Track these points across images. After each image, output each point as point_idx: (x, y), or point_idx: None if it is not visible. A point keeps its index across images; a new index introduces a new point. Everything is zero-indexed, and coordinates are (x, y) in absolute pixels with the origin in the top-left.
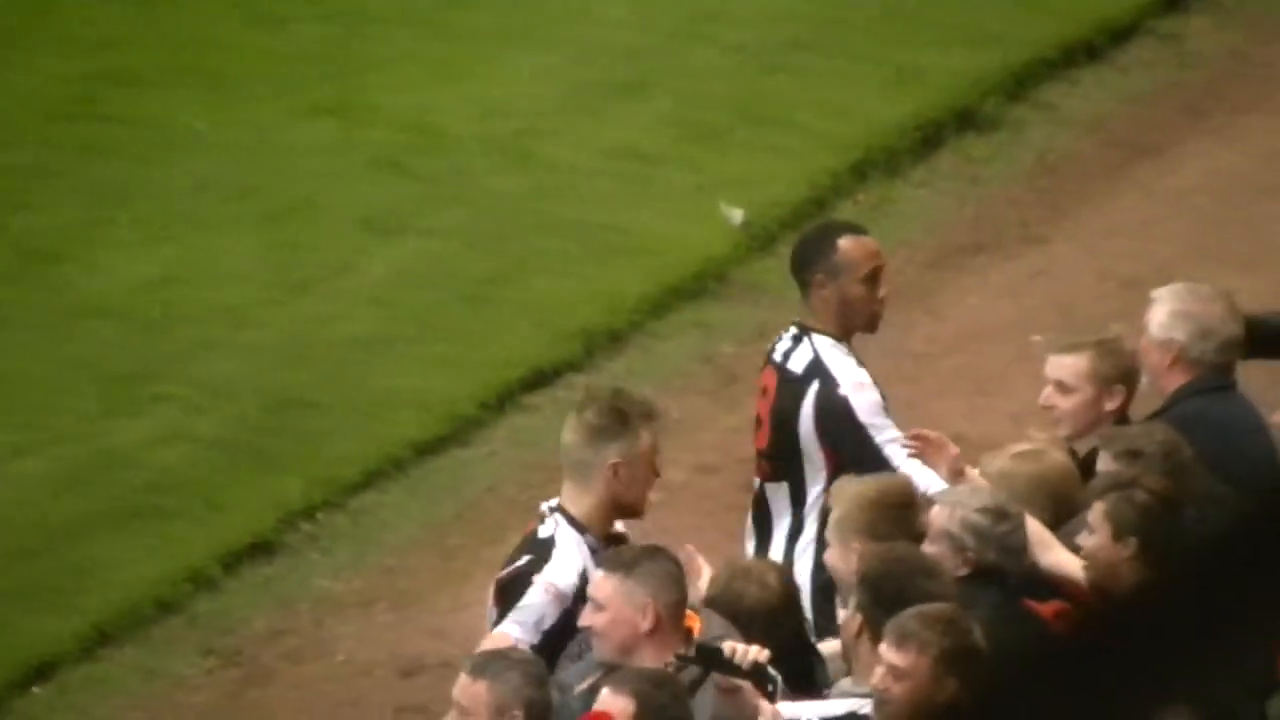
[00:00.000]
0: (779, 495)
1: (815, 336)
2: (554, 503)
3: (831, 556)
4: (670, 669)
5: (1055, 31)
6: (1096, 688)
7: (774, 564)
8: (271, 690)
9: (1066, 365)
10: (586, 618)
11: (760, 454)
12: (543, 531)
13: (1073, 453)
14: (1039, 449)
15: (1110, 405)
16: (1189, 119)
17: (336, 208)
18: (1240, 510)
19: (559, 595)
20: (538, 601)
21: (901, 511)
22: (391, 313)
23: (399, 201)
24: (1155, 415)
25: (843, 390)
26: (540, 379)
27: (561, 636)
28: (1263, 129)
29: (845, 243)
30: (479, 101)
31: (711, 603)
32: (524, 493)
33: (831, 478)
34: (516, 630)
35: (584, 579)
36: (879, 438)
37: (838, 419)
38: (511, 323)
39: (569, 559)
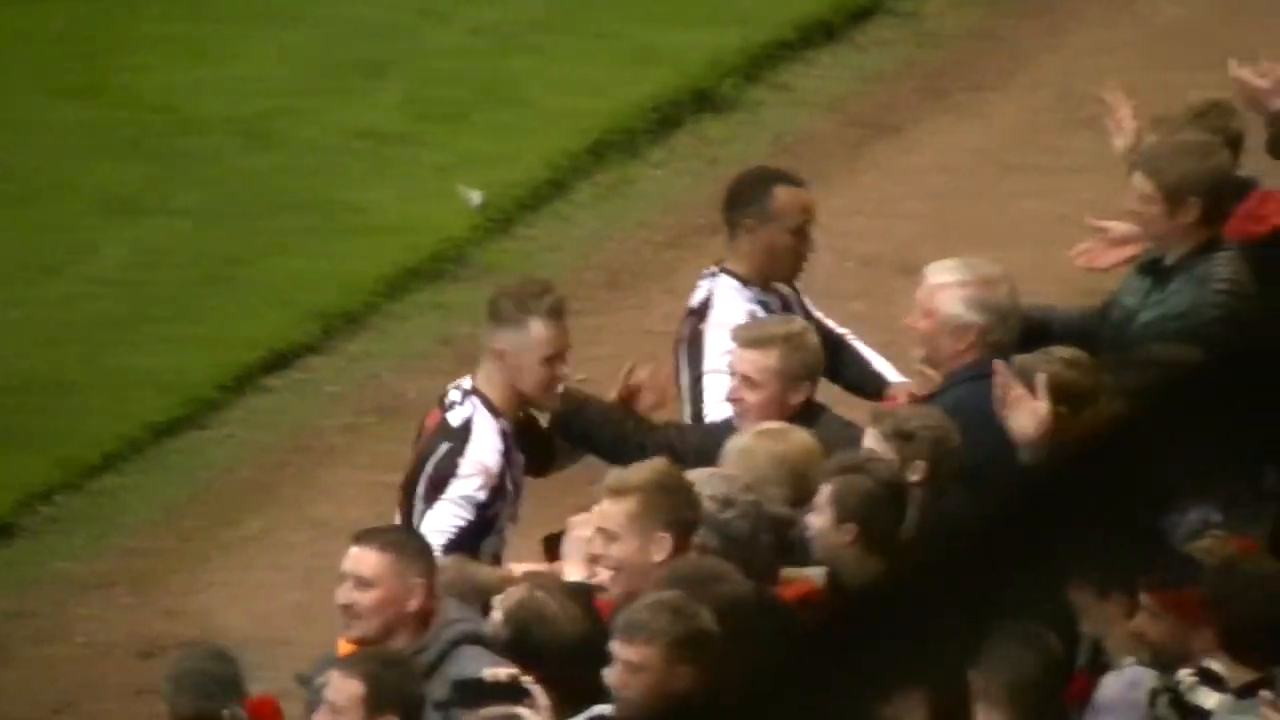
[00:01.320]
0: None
1: (723, 276)
2: (467, 384)
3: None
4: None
5: (793, 11)
6: (829, 674)
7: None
8: (11, 672)
9: (752, 360)
10: (346, 595)
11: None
12: (456, 418)
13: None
14: (783, 427)
15: (795, 400)
16: (928, 97)
17: (85, 189)
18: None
19: (488, 473)
20: (471, 483)
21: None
22: (135, 293)
23: (146, 182)
24: (933, 396)
25: (704, 326)
26: (278, 360)
27: (491, 517)
28: (1002, 106)
29: (780, 191)
30: (225, 82)
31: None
32: (261, 474)
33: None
34: (458, 512)
35: (503, 458)
36: (705, 378)
37: (694, 348)
38: (251, 303)
39: (488, 438)
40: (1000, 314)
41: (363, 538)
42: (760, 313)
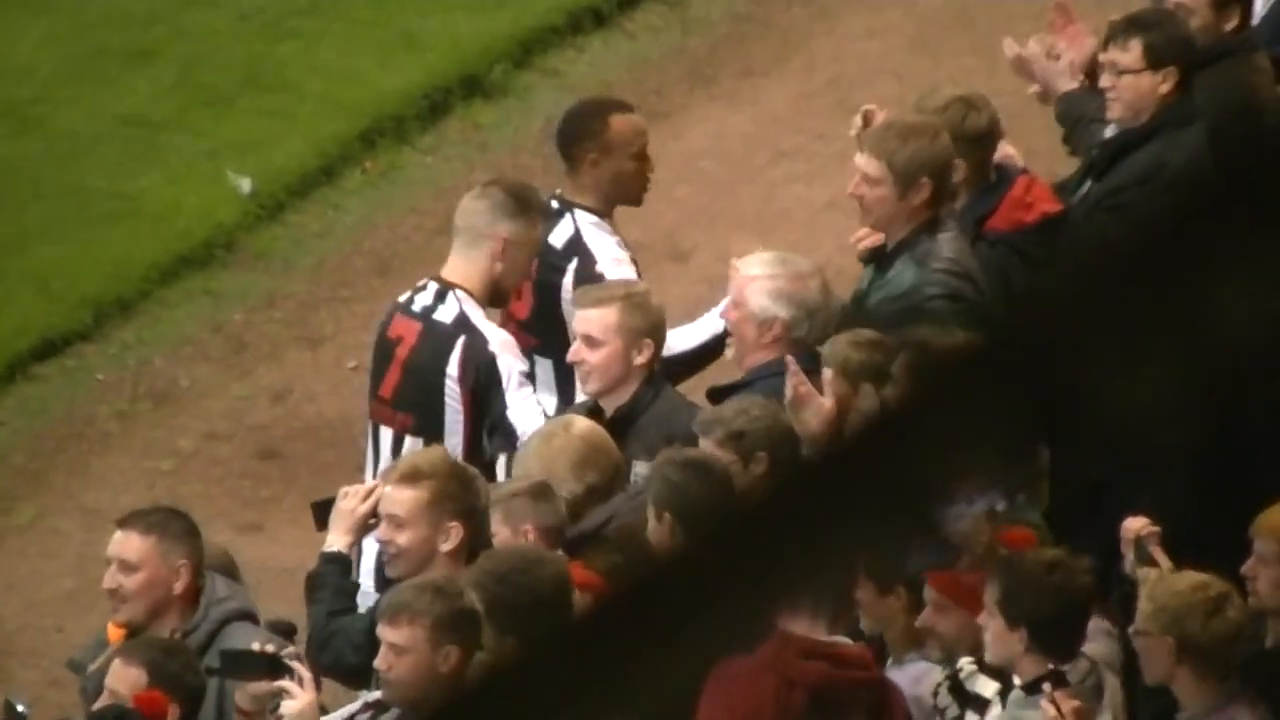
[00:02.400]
0: (544, 373)
1: (578, 213)
2: (433, 286)
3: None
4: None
5: None
6: (606, 660)
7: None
8: None
9: (593, 319)
10: (111, 579)
11: (520, 325)
12: (446, 315)
13: (598, 410)
14: (568, 419)
15: (639, 359)
16: (696, 84)
17: None
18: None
19: (514, 346)
20: (514, 360)
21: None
22: None
23: None
24: (735, 387)
25: (600, 268)
26: (48, 348)
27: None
28: (771, 93)
29: (617, 120)
30: None
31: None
32: (33, 462)
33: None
34: (534, 395)
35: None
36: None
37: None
38: (19, 292)
39: (488, 323)
40: (807, 309)
41: (126, 521)
42: (621, 245)
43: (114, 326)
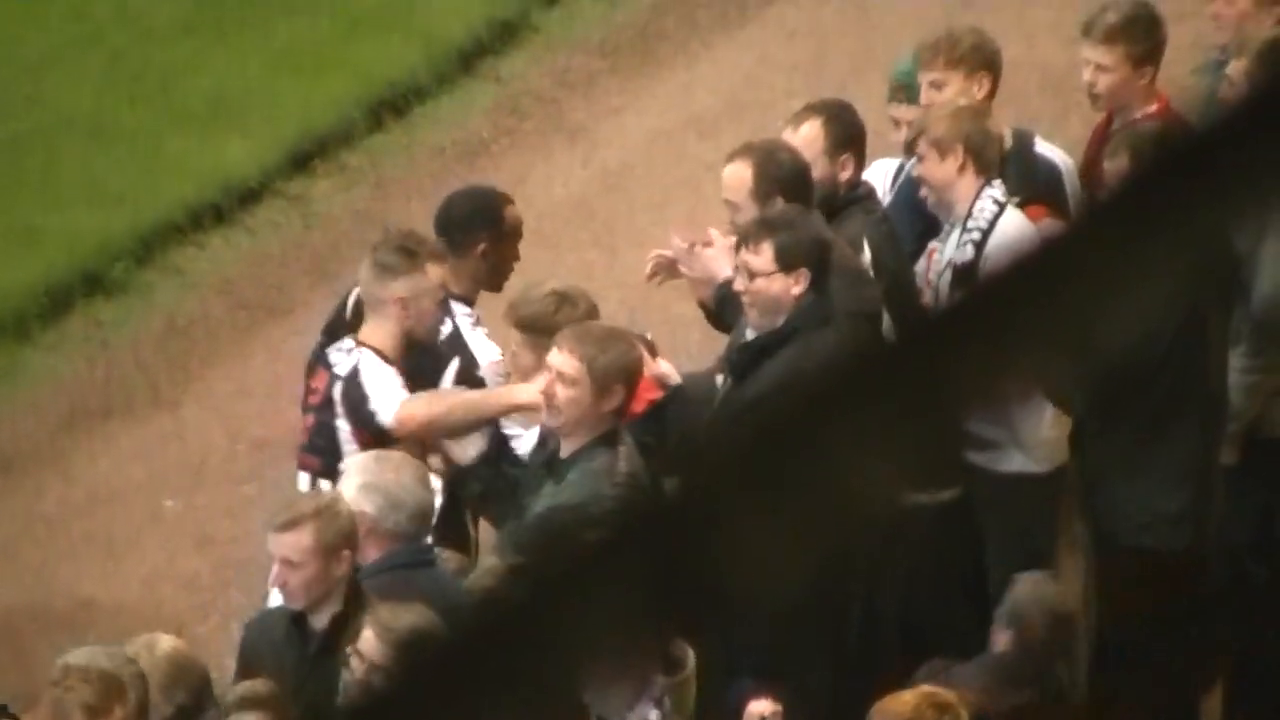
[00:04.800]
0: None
1: (454, 305)
2: (348, 344)
3: None
4: None
5: (182, 194)
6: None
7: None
8: None
9: (286, 543)
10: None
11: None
12: (343, 369)
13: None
14: (150, 638)
15: (339, 572)
16: (317, 279)
17: None
18: None
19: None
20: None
21: None
22: None
23: None
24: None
25: (482, 372)
26: None
27: None
28: None
29: (510, 210)
30: None
31: None
32: None
33: None
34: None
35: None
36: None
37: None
38: None
39: (383, 375)
40: (393, 502)
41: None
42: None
43: None
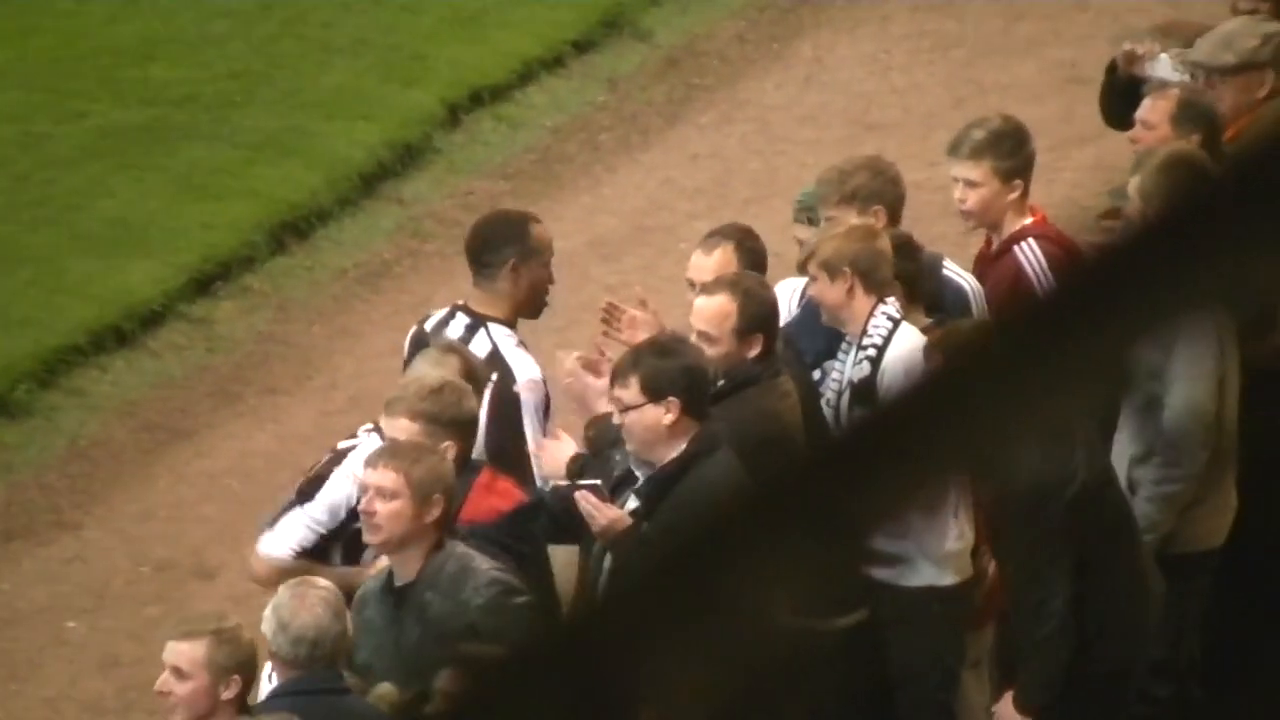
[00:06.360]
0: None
1: (493, 327)
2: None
3: None
4: None
5: (84, 317)
6: None
7: None
8: None
9: (181, 652)
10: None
11: None
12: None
13: None
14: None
15: (226, 694)
16: (220, 402)
17: None
18: None
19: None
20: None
21: None
22: None
23: None
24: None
25: (518, 387)
26: None
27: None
28: (295, 410)
29: (536, 227)
30: None
31: None
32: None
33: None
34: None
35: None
36: (531, 437)
37: (507, 409)
38: None
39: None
40: (284, 628)
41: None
42: (530, 357)
43: None
